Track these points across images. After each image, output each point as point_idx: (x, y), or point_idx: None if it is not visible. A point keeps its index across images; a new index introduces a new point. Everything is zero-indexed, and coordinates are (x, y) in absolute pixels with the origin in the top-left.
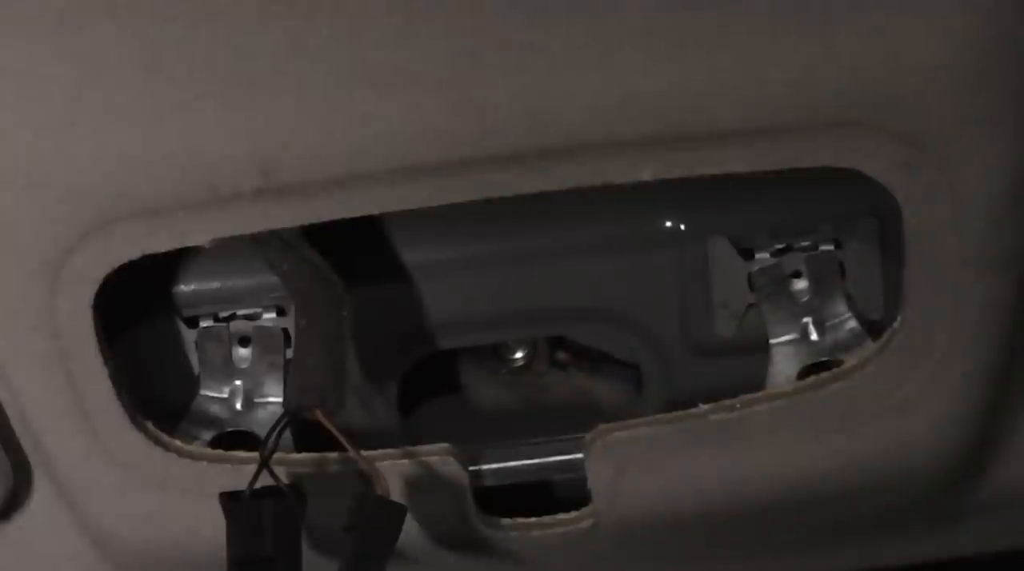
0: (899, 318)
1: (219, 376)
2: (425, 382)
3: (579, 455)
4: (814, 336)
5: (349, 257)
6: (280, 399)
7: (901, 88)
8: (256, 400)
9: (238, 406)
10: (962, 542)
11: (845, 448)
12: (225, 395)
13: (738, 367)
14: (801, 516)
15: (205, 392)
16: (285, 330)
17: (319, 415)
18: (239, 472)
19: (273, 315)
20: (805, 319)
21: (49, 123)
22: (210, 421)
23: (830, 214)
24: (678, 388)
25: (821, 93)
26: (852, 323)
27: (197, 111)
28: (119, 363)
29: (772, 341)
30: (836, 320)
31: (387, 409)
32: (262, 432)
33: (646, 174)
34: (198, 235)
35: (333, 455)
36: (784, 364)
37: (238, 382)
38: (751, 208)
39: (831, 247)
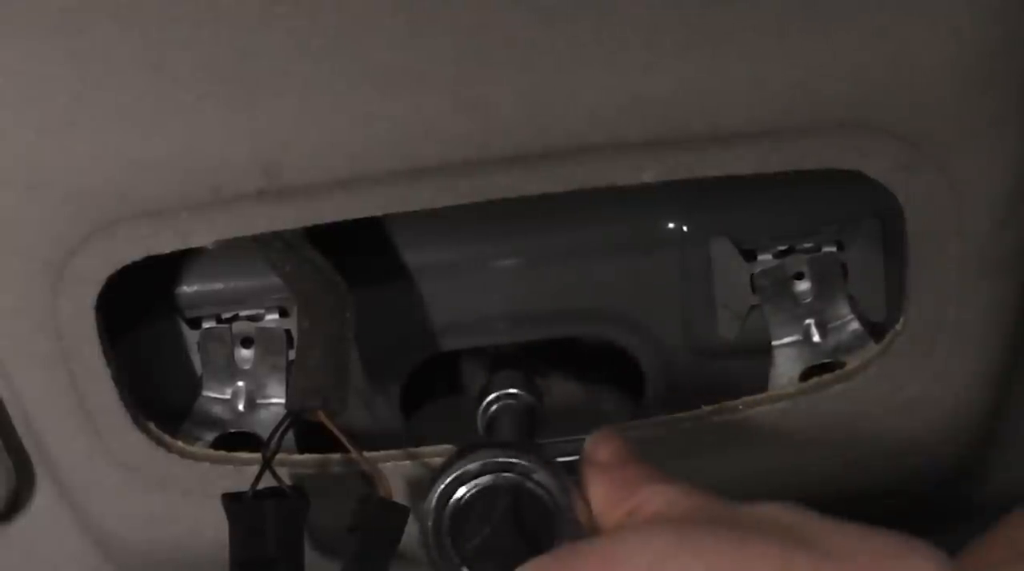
0: (902, 319)
1: (221, 377)
2: (428, 383)
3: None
4: (816, 338)
5: (352, 258)
6: (282, 400)
7: (905, 89)
8: (258, 401)
9: (240, 407)
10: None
11: (847, 449)
12: (227, 396)
13: (740, 368)
14: None
15: (207, 393)
16: (288, 331)
17: (321, 416)
18: (241, 473)
19: (276, 316)
20: (807, 321)
21: (51, 124)
22: (212, 422)
23: (833, 216)
24: (680, 389)
25: (824, 94)
26: (855, 325)
27: (200, 112)
28: (121, 364)
29: (774, 343)
30: (838, 322)
31: (390, 410)
32: (264, 433)
33: (649, 175)
34: (201, 236)
35: (336, 456)
36: (786, 366)
37: (240, 383)
38: (754, 210)
39: (833, 249)
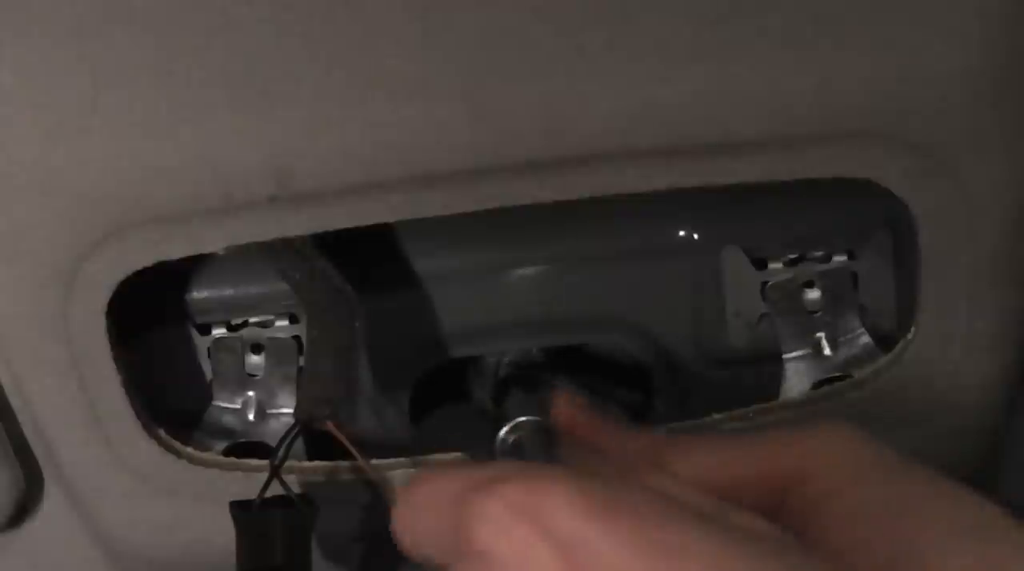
0: (913, 329)
1: (232, 387)
2: (436, 391)
3: None
4: (827, 351)
5: (362, 266)
6: (293, 410)
7: (916, 98)
8: (269, 411)
9: (251, 417)
10: None
11: None
12: (238, 406)
13: (751, 377)
14: None
15: (218, 403)
16: (298, 338)
17: (330, 426)
18: (251, 480)
19: (286, 322)
20: (818, 334)
21: (63, 130)
22: (223, 431)
23: (844, 225)
24: (690, 397)
25: (836, 103)
26: (865, 338)
27: (212, 118)
28: (132, 370)
29: (785, 356)
30: (850, 335)
31: (399, 418)
32: (275, 443)
33: (661, 184)
34: (212, 242)
35: (345, 464)
36: (797, 379)
37: (251, 393)
38: (765, 218)
39: (844, 258)
